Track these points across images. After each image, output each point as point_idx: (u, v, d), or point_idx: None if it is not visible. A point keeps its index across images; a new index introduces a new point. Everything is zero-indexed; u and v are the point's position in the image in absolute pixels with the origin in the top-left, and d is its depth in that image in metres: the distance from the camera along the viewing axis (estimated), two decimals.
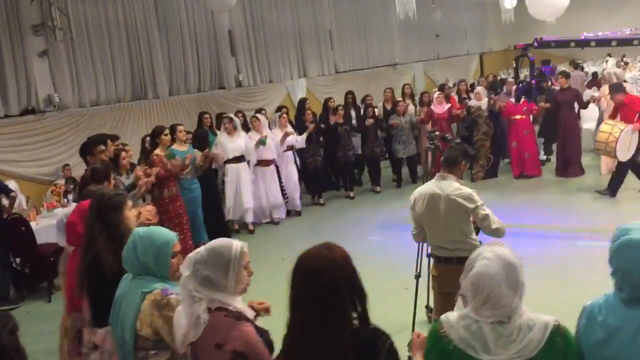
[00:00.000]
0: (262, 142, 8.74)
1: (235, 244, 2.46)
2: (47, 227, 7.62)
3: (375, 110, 10.61)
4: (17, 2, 8.40)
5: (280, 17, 12.96)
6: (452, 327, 2.15)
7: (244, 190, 8.67)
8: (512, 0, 15.91)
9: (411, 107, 11.04)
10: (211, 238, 7.75)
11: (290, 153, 9.43)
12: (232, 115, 9.02)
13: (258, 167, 8.97)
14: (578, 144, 10.09)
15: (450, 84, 14.33)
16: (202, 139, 8.29)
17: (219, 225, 8.07)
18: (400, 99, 11.13)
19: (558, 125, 10.08)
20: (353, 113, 10.68)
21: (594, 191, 8.89)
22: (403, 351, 2.64)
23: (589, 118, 11.13)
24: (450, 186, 4.13)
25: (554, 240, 7.16)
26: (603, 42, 12.24)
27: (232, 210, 8.66)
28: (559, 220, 8.00)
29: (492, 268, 2.11)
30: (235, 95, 11.81)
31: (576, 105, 10.13)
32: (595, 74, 15.38)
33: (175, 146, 7.27)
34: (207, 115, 9.28)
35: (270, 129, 9.28)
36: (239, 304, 2.44)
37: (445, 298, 4.31)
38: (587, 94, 12.86)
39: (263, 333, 2.41)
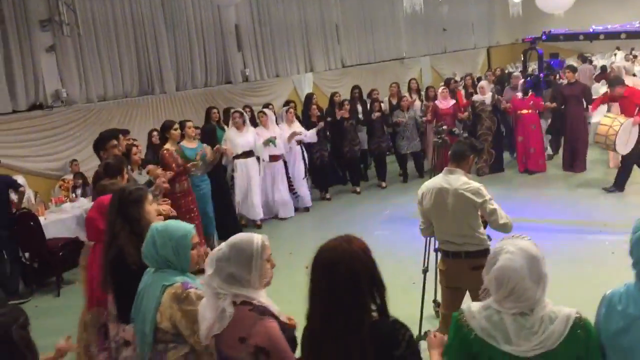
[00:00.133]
0: (270, 142, 8.72)
1: (256, 237, 2.47)
2: (55, 222, 7.67)
3: (382, 105, 10.58)
4: None
5: (287, 12, 12.93)
6: (474, 317, 2.17)
7: (253, 186, 8.68)
8: None
9: (417, 103, 11.00)
10: (220, 233, 7.79)
11: (298, 148, 9.41)
12: (241, 109, 9.02)
13: (266, 162, 8.97)
14: (585, 139, 10.03)
15: (458, 78, 14.25)
16: (210, 134, 8.29)
17: (229, 221, 8.08)
18: (406, 94, 11.09)
19: (565, 120, 10.03)
20: (359, 108, 10.65)
21: (601, 188, 8.84)
22: None
23: (597, 112, 11.06)
24: (458, 180, 4.12)
25: (562, 234, 7.13)
26: (612, 35, 12.13)
27: (241, 205, 8.67)
28: (567, 215, 7.96)
29: (516, 262, 2.12)
30: (242, 90, 11.81)
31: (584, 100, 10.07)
32: (604, 67, 15.27)
33: (184, 142, 7.27)
34: (215, 110, 9.29)
35: (278, 124, 9.27)
36: (263, 298, 2.44)
37: (453, 292, 4.31)
38: (596, 87, 12.78)
39: (286, 329, 2.42)
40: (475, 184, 4.13)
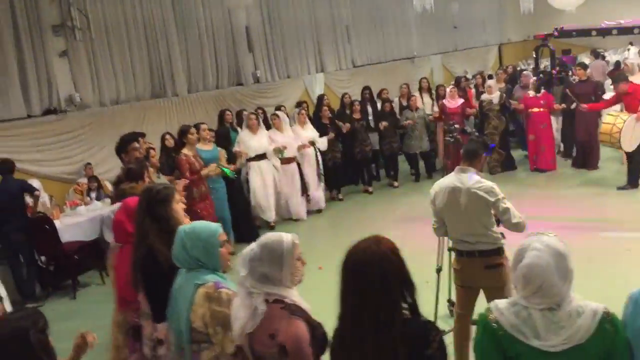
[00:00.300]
0: (280, 152, 8.73)
1: (286, 237, 2.50)
2: (70, 225, 7.73)
3: (392, 104, 10.55)
4: (37, 3, 8.49)
5: (297, 12, 12.94)
6: (502, 313, 2.18)
7: (267, 188, 8.70)
8: None
9: (427, 101, 10.96)
10: (236, 236, 7.82)
11: (311, 150, 9.40)
12: (255, 112, 9.07)
13: (279, 165, 8.97)
14: (597, 136, 9.94)
15: (469, 76, 14.19)
16: (224, 137, 8.32)
17: (245, 223, 8.11)
18: (416, 93, 11.05)
19: (577, 118, 9.94)
20: (370, 109, 10.63)
21: (616, 188, 8.75)
22: None
23: (610, 109, 10.95)
24: (470, 179, 4.11)
25: (577, 231, 7.08)
26: (625, 30, 12.04)
27: (255, 207, 8.67)
28: (580, 212, 7.90)
29: (543, 259, 2.13)
30: (253, 92, 11.83)
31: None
32: (618, 63, 15.12)
33: (199, 145, 7.30)
34: (229, 112, 9.32)
35: (290, 125, 9.29)
36: (294, 296, 2.47)
37: (467, 291, 4.30)
38: (608, 84, 12.66)
39: (317, 327, 2.44)
40: (488, 183, 4.12)
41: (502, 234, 4.20)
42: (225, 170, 7.43)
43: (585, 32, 12.33)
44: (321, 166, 9.56)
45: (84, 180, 8.69)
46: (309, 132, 9.36)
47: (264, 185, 8.70)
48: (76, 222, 7.82)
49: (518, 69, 14.76)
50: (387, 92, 11.04)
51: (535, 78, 10.90)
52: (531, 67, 15.59)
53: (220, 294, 2.72)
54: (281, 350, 2.32)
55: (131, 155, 5.76)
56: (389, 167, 10.78)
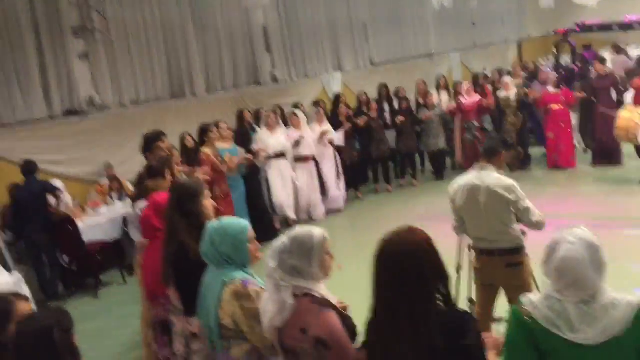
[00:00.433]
0: (298, 143, 8.73)
1: (316, 231, 2.51)
2: (92, 225, 7.84)
3: (409, 102, 10.50)
4: (57, 6, 8.59)
5: (314, 12, 12.93)
6: (536, 307, 2.16)
7: (286, 187, 8.71)
8: None
9: (445, 98, 10.89)
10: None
11: (330, 149, 9.38)
12: (274, 110, 9.10)
13: (297, 163, 8.98)
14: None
15: (488, 73, 14.06)
16: (244, 136, 8.35)
17: (263, 222, 8.13)
18: (433, 91, 10.97)
19: (596, 113, 9.79)
20: (387, 107, 10.60)
21: (638, 182, 8.62)
22: None
23: (626, 104, 10.78)
24: (490, 177, 4.08)
25: (599, 229, 6.96)
26: None
27: (275, 205, 8.67)
28: (602, 210, 7.79)
29: (577, 252, 2.11)
30: (271, 91, 11.85)
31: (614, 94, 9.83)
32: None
33: (219, 143, 7.33)
34: (247, 112, 9.36)
35: (308, 124, 9.29)
36: (323, 290, 2.48)
37: (487, 290, 4.27)
38: None
39: (346, 319, 2.44)
40: (508, 181, 4.09)
41: (523, 231, 4.16)
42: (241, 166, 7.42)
43: (606, 27, 12.16)
44: (339, 165, 9.54)
45: (105, 181, 8.79)
46: (327, 135, 9.35)
47: (284, 183, 8.72)
48: (98, 222, 7.92)
49: (538, 65, 14.58)
50: (404, 91, 11.01)
51: (554, 74, 10.76)
52: (551, 63, 15.40)
53: (249, 291, 2.73)
54: (320, 344, 2.32)
55: (156, 153, 5.78)
56: (407, 165, 10.72)
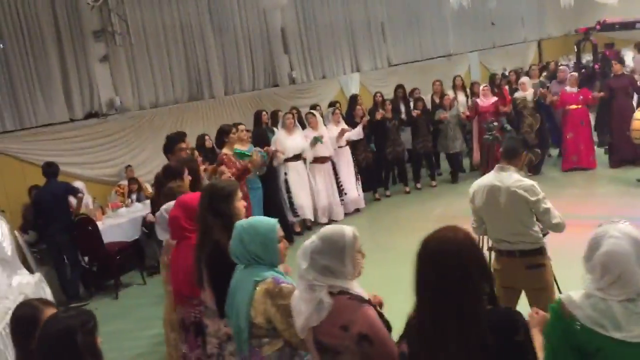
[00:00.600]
0: (317, 140, 8.73)
1: (347, 229, 2.49)
2: (112, 226, 7.91)
3: (425, 102, 10.42)
4: (78, 10, 8.70)
5: (332, 12, 12.94)
6: (578, 306, 2.11)
7: (304, 188, 8.71)
8: None
9: (462, 99, 10.78)
10: None
11: (347, 149, 9.37)
12: (291, 112, 9.10)
13: (314, 164, 8.97)
14: None
15: (507, 73, 13.92)
16: (262, 137, 8.35)
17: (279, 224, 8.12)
18: (450, 91, 10.88)
19: (613, 114, 9.62)
20: (403, 108, 10.55)
21: None
22: None
23: None
24: (510, 178, 4.03)
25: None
26: None
27: (296, 207, 8.67)
28: (622, 211, 7.66)
29: (622, 247, 2.06)
30: (289, 93, 11.88)
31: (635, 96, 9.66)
32: None
33: (237, 145, 7.34)
34: (265, 113, 9.39)
35: (325, 124, 9.28)
36: (357, 288, 2.46)
37: (507, 291, 4.21)
38: None
39: (381, 314, 2.44)
40: (528, 181, 4.04)
41: (545, 233, 4.11)
42: (262, 154, 7.41)
43: (628, 25, 11.96)
44: (355, 167, 9.51)
45: (125, 182, 8.87)
46: (346, 133, 9.32)
47: (302, 185, 8.72)
48: (117, 223, 7.99)
49: (559, 65, 14.40)
50: (419, 92, 10.96)
51: (574, 74, 10.56)
52: (572, 62, 15.21)
53: (281, 288, 2.71)
54: (363, 340, 2.30)
55: (178, 155, 5.78)
56: (424, 167, 10.64)
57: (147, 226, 7.78)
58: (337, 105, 10.18)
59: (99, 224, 7.70)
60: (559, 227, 3.99)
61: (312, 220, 8.92)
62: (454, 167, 10.61)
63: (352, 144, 9.51)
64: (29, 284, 5.67)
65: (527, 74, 11.56)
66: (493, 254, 4.34)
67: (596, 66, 10.94)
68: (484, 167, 9.16)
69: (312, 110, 9.48)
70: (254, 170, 7.22)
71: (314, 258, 2.42)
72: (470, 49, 17.11)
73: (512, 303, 4.23)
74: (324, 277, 2.41)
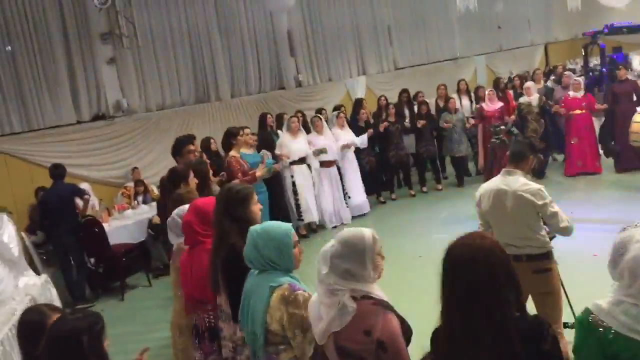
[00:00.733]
0: (321, 152, 8.73)
1: (366, 232, 2.46)
2: (118, 228, 7.93)
3: (429, 106, 10.39)
4: (86, 12, 8.75)
5: (339, 16, 12.94)
6: (608, 314, 2.06)
7: (309, 192, 8.71)
8: None
9: (465, 103, 10.74)
10: None
11: (351, 154, 9.35)
12: (296, 115, 9.11)
13: (321, 168, 8.95)
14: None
15: (513, 77, 13.88)
16: (268, 140, 8.34)
17: None
18: (454, 95, 10.84)
19: (616, 119, 9.56)
20: (407, 112, 10.53)
21: None
22: None
23: None
24: (517, 182, 4.01)
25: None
26: None
27: (303, 210, 8.67)
28: (629, 215, 7.61)
29: None
30: (295, 95, 11.89)
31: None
32: None
33: (243, 149, 7.33)
34: (270, 116, 9.40)
35: (329, 128, 9.27)
36: (378, 291, 2.43)
37: None
38: None
39: (403, 321, 2.40)
40: (535, 185, 4.02)
41: (552, 236, 4.08)
42: (269, 163, 7.42)
43: (636, 29, 11.89)
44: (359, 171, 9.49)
45: (131, 184, 8.89)
46: (348, 135, 9.33)
47: (308, 188, 8.72)
48: (123, 225, 8.01)
49: (567, 68, 14.35)
50: (422, 95, 10.94)
51: (576, 79, 10.46)
52: (579, 65, 15.15)
53: (297, 296, 2.66)
54: (379, 346, 2.28)
55: (186, 157, 5.71)
56: (429, 171, 10.61)
57: (153, 228, 7.80)
58: (342, 109, 10.18)
59: (105, 225, 7.72)
60: (567, 231, 3.97)
61: (317, 223, 8.91)
62: (459, 171, 10.57)
63: (356, 148, 9.51)
64: (35, 285, 5.68)
65: (532, 78, 11.51)
66: None
67: (604, 69, 10.87)
68: (487, 172, 9.15)
69: (317, 115, 9.48)
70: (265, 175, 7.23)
71: (335, 262, 2.38)
72: (477, 52, 17.08)
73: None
74: (345, 281, 2.37)
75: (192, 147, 5.88)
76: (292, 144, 8.56)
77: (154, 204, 8.00)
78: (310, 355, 2.65)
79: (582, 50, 12.38)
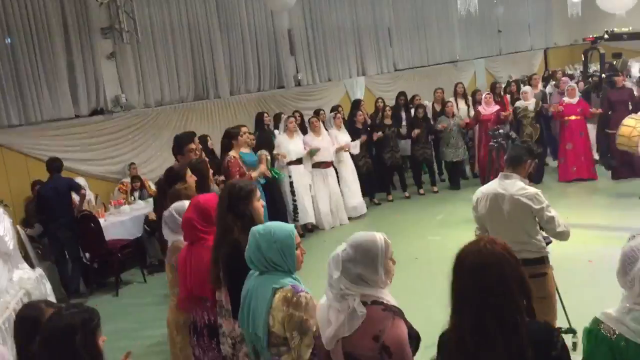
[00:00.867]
0: (314, 152, 8.73)
1: (379, 236, 2.45)
2: (114, 223, 7.92)
3: (426, 110, 10.39)
4: (86, 7, 8.73)
5: (339, 16, 12.95)
6: (619, 322, 2.05)
7: (306, 193, 8.70)
8: None
9: (462, 107, 10.74)
10: None
11: (347, 155, 9.35)
12: (294, 115, 9.09)
13: (317, 169, 8.94)
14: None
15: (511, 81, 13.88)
16: (266, 140, 8.32)
17: None
18: (451, 98, 10.85)
19: (611, 127, 9.57)
20: (404, 115, 10.53)
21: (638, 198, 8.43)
22: None
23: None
24: (514, 186, 4.01)
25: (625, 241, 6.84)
26: None
27: (300, 210, 8.66)
28: (623, 222, 7.63)
29: None
30: (294, 95, 11.89)
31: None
32: None
33: (242, 149, 7.31)
34: (266, 115, 9.38)
35: (326, 129, 9.26)
36: (389, 296, 2.42)
37: None
38: None
39: (411, 327, 2.39)
40: (532, 190, 4.02)
41: (548, 240, 4.09)
42: (274, 170, 7.43)
43: (637, 36, 11.89)
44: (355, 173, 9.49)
45: (128, 180, 8.87)
46: (345, 136, 9.33)
47: (305, 188, 8.72)
48: (120, 221, 8.00)
49: (566, 73, 14.38)
50: (419, 99, 10.95)
51: (571, 84, 10.44)
52: (579, 71, 15.17)
53: (299, 298, 2.62)
54: (383, 351, 2.27)
55: (187, 156, 5.65)
56: (426, 173, 10.62)
57: (150, 224, 7.79)
58: (340, 109, 10.17)
59: (101, 220, 7.70)
60: (563, 236, 3.97)
61: (314, 223, 8.90)
62: (455, 175, 10.58)
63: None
64: (30, 279, 5.66)
65: (529, 82, 11.53)
66: None
67: (604, 75, 10.86)
68: (482, 176, 9.17)
69: (315, 116, 9.47)
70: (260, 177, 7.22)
71: (347, 267, 2.37)
72: (477, 56, 17.11)
73: None
74: (356, 286, 2.36)
75: (193, 146, 5.83)
76: (290, 144, 8.56)
77: (151, 200, 7.99)
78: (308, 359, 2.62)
79: (583, 55, 12.39)
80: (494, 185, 4.13)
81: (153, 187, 8.56)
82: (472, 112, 10.63)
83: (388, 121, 9.89)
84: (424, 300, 4.76)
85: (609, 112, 9.65)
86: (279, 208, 8.18)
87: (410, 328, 2.37)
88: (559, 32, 20.96)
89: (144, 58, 9.51)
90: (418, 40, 15.26)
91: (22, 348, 2.67)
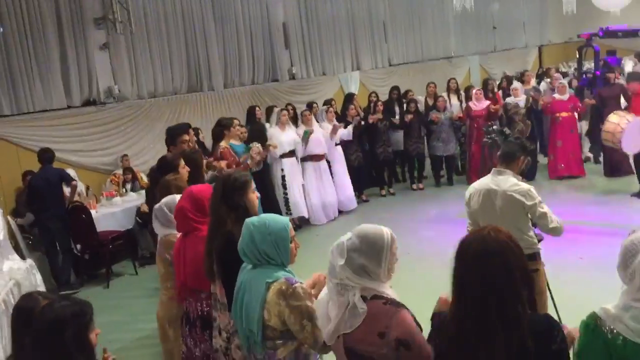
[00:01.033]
0: (307, 133, 8.69)
1: (385, 230, 2.43)
2: (106, 215, 7.88)
3: (419, 105, 10.39)
4: None
5: (334, 9, 12.91)
6: (617, 319, 2.04)
7: (298, 186, 8.69)
8: None
9: (455, 102, 10.76)
10: None
11: (339, 149, 9.33)
12: (286, 108, 9.07)
13: (310, 162, 8.92)
14: None
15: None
16: (259, 133, 8.31)
17: None
18: (444, 94, 10.84)
19: (604, 122, 9.61)
20: (397, 109, 10.52)
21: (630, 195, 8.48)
22: None
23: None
24: (507, 182, 4.02)
25: (619, 238, 6.88)
26: None
27: (292, 203, 8.64)
28: (614, 217, 7.67)
29: None
30: (288, 88, 11.86)
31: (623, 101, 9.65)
32: None
33: (232, 140, 7.31)
34: (258, 108, 9.35)
35: (318, 122, 9.24)
36: (389, 290, 2.40)
37: None
38: None
39: (414, 317, 2.38)
40: (525, 186, 4.03)
41: (540, 237, 4.10)
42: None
43: (632, 33, 11.91)
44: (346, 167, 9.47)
45: (120, 172, 8.83)
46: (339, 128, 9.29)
47: (297, 181, 8.70)
48: (111, 212, 7.97)
49: (560, 71, 14.39)
50: (412, 94, 10.94)
51: (562, 82, 10.45)
52: (573, 68, 15.21)
53: (295, 289, 2.61)
54: (400, 345, 2.23)
55: (180, 147, 5.61)
56: (415, 168, 10.61)
57: (141, 216, 7.76)
58: (332, 102, 10.15)
59: (93, 212, 7.66)
60: (556, 231, 3.98)
61: (307, 217, 8.89)
62: (448, 170, 10.58)
63: (344, 143, 9.47)
64: (20, 270, 5.64)
65: (521, 79, 11.55)
66: None
67: (597, 72, 10.88)
68: (473, 173, 9.18)
69: (307, 109, 9.44)
70: (254, 167, 7.20)
71: (351, 256, 2.34)
72: (472, 52, 17.12)
73: None
74: (358, 277, 2.34)
75: (186, 137, 5.80)
76: (282, 136, 8.54)
77: (143, 192, 7.96)
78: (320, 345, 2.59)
79: (577, 52, 12.40)
80: (486, 181, 4.14)
81: (145, 179, 8.52)
82: (464, 108, 10.63)
83: (379, 115, 9.87)
84: (415, 294, 4.74)
85: (602, 108, 9.67)
86: (270, 201, 8.17)
87: (414, 318, 2.35)
88: (553, 30, 21.00)
89: (138, 49, 9.44)
90: (413, 35, 15.25)
91: (17, 338, 2.67)
